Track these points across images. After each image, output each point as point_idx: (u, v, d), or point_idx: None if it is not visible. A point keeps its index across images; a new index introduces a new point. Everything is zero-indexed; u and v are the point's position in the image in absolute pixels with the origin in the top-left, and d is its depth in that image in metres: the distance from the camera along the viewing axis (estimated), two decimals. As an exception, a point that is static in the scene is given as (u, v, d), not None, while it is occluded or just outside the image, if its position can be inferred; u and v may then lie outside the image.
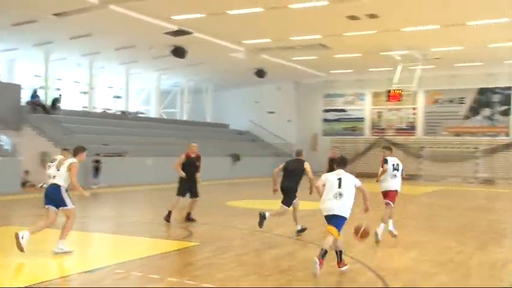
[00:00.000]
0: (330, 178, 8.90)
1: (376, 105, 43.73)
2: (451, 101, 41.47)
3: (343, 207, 8.69)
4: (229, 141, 42.12)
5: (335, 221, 8.67)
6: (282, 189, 12.56)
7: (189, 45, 29.96)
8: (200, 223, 14.41)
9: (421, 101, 42.01)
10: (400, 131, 42.49)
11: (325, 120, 45.64)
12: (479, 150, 39.14)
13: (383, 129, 43.18)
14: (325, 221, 8.84)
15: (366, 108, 44.46)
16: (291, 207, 12.62)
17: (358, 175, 10.42)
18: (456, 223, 15.73)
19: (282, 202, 12.57)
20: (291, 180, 12.49)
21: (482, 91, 40.22)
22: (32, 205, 18.47)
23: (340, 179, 8.82)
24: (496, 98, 39.78)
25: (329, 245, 8.52)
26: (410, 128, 42.40)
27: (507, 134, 39.10)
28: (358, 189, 8.92)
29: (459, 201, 22.51)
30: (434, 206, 20.73)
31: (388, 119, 42.55)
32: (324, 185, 8.87)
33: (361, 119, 44.60)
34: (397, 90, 35.91)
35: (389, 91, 36.34)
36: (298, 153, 12.85)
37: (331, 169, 10.74)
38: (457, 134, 40.52)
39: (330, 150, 22.28)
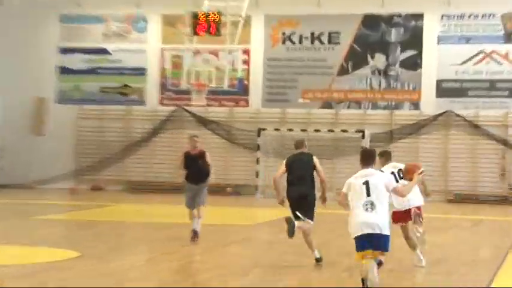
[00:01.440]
0: (353, 184, 7.57)
1: (170, 42, 25.41)
2: (314, 39, 25.05)
3: (380, 221, 7.38)
4: None
5: (376, 243, 7.31)
6: (297, 199, 10.42)
7: None
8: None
9: (257, 37, 25.26)
10: (217, 97, 25.17)
11: (64, 71, 26.41)
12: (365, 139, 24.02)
13: (184, 92, 25.08)
14: (355, 245, 7.45)
15: (149, 49, 26.00)
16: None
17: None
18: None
19: (304, 216, 10.32)
20: (304, 184, 10.49)
21: (370, 20, 24.65)
22: None
23: (367, 184, 7.39)
24: (396, 34, 24.54)
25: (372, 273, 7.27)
26: (239, 92, 25.54)
27: (416, 105, 24.30)
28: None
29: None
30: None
31: (196, 71, 23.75)
32: (345, 193, 7.62)
33: (140, 71, 26.16)
34: (209, 14, 21.45)
35: (195, 16, 21.60)
36: (299, 144, 10.82)
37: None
38: (324, 106, 24.97)
39: (188, 141, 12.84)
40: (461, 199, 23.14)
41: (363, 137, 23.07)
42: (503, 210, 21.32)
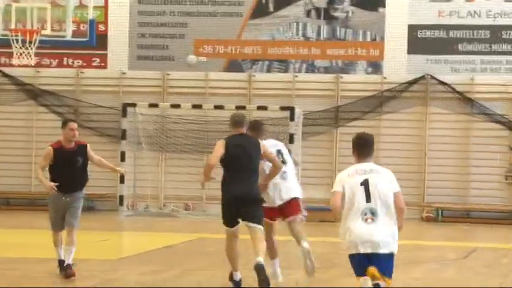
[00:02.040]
0: (348, 183, 7.00)
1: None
2: None
3: (383, 234, 6.92)
4: None
5: (377, 262, 6.84)
6: (238, 198, 9.23)
7: None
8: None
9: None
10: (54, 52, 20.69)
11: None
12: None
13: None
14: (352, 266, 7.00)
15: None
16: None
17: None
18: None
19: (253, 221, 9.23)
20: (249, 179, 9.51)
21: None
22: None
23: (366, 184, 6.91)
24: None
25: None
26: (90, 45, 20.06)
27: (376, 66, 20.73)
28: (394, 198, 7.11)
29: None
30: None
31: (18, 9, 18.93)
32: (340, 192, 7.02)
33: None
34: None
35: None
36: (238, 122, 9.62)
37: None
38: (230, 67, 21.19)
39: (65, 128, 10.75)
40: (445, 216, 19.91)
41: (292, 117, 19.06)
42: (508, 234, 17.99)
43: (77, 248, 11.17)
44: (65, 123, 10.88)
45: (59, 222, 10.62)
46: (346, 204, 6.84)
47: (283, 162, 9.77)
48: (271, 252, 9.51)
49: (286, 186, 9.80)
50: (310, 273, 9.57)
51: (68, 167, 10.52)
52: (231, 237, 9.11)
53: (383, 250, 6.67)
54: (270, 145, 9.93)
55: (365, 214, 6.72)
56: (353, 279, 9.60)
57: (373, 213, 6.73)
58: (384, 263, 6.70)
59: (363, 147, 6.99)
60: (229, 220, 8.66)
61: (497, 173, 19.81)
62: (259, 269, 8.80)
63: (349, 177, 6.89)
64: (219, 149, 9.15)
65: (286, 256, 12.15)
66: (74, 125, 10.82)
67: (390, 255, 6.76)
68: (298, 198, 9.83)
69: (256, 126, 10.01)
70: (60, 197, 10.56)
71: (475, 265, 13.55)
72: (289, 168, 9.94)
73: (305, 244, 9.57)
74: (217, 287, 9.34)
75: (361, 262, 6.72)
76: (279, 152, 9.89)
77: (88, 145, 11.06)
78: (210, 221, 12.82)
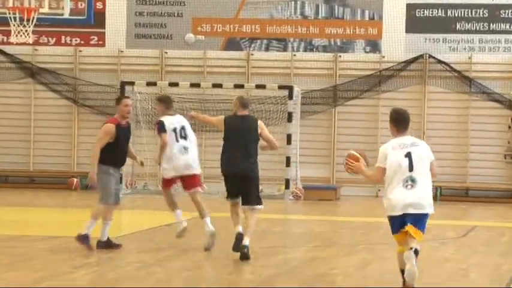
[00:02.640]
0: (393, 155, 7.66)
1: None
2: None
3: (421, 197, 7.68)
4: None
5: (414, 222, 7.58)
6: (234, 176, 10.03)
7: None
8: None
9: None
10: (53, 30, 21.30)
11: None
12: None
13: None
14: (391, 226, 7.80)
15: None
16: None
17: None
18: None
19: (249, 203, 9.89)
20: (247, 157, 10.14)
21: None
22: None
23: (409, 155, 7.61)
24: None
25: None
26: (88, 23, 21.68)
27: (374, 45, 20.91)
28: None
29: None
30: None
31: None
32: (383, 168, 7.68)
33: None
34: None
35: None
36: (243, 104, 10.39)
37: None
38: (228, 45, 21.54)
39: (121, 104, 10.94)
40: (444, 195, 19.72)
41: (290, 96, 19.00)
42: (507, 212, 18.06)
43: (74, 227, 11.48)
44: (119, 100, 10.96)
45: (118, 195, 10.80)
46: (389, 173, 7.61)
47: (184, 137, 10.38)
48: (172, 205, 10.38)
49: (186, 161, 10.41)
50: (208, 249, 9.99)
51: (124, 144, 10.67)
52: None
53: (421, 211, 7.51)
54: (175, 121, 10.41)
55: (406, 181, 7.52)
56: (351, 258, 10.15)
57: (413, 180, 7.53)
58: (420, 222, 7.55)
59: (402, 123, 7.69)
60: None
61: (495, 151, 19.79)
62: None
63: (393, 150, 7.62)
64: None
65: (285, 235, 12.44)
66: (129, 101, 10.92)
67: (426, 215, 7.61)
68: (197, 174, 10.57)
69: (164, 100, 10.75)
70: (117, 172, 10.74)
71: (473, 243, 13.69)
72: (190, 144, 10.48)
73: (210, 227, 10.08)
74: (217, 266, 9.28)
75: (400, 222, 7.57)
76: (182, 128, 10.40)
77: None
78: (209, 199, 12.75)
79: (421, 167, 7.70)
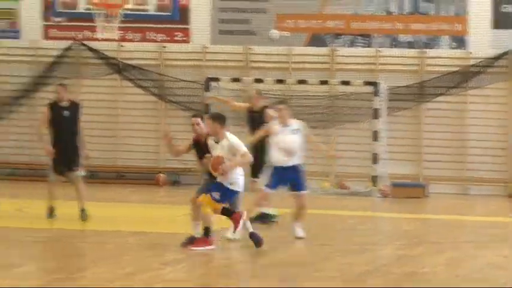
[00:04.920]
0: None
1: None
2: None
3: None
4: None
5: None
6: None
7: None
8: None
9: None
10: (138, 26, 21.45)
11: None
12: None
13: (83, 18, 21.16)
14: None
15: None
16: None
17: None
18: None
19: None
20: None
21: None
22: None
23: None
24: None
25: None
26: (174, 19, 21.80)
27: (460, 41, 20.89)
28: None
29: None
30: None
31: None
32: None
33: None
34: None
35: None
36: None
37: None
38: (312, 42, 21.47)
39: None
40: None
41: (376, 92, 19.04)
42: None
43: (163, 223, 13.09)
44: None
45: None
46: None
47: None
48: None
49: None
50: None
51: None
52: None
53: None
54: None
55: None
56: (439, 256, 9.93)
57: None
58: None
59: None
60: None
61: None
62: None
63: None
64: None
65: (373, 232, 12.64)
66: (194, 120, 11.08)
67: None
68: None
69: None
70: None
71: None
72: None
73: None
74: (306, 263, 9.27)
75: None
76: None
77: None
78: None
79: None
